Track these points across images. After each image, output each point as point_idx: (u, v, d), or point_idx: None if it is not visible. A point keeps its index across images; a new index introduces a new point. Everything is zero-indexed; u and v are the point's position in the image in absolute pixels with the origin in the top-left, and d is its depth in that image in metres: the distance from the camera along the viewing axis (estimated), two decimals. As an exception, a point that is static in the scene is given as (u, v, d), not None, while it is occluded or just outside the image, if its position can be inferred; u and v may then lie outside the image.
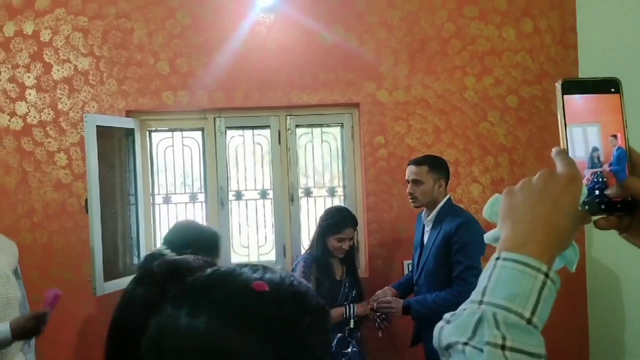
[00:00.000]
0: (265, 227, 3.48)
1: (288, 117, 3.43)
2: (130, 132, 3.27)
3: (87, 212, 2.98)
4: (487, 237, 0.72)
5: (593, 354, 3.38)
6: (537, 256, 0.60)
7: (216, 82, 3.29)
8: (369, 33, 3.34)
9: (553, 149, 0.69)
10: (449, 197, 2.73)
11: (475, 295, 0.61)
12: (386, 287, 2.89)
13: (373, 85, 3.33)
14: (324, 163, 3.51)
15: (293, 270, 2.94)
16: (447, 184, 2.75)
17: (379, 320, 2.80)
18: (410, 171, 2.72)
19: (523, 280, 0.59)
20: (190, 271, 1.04)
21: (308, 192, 3.49)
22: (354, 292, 2.91)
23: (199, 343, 0.59)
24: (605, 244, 3.17)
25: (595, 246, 3.29)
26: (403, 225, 3.32)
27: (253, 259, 3.46)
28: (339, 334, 2.84)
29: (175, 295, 0.66)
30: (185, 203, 3.47)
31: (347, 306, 2.80)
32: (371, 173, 3.34)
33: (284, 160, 3.43)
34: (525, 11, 3.40)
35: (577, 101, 0.69)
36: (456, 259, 2.54)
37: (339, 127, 3.49)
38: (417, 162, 2.72)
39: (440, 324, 0.62)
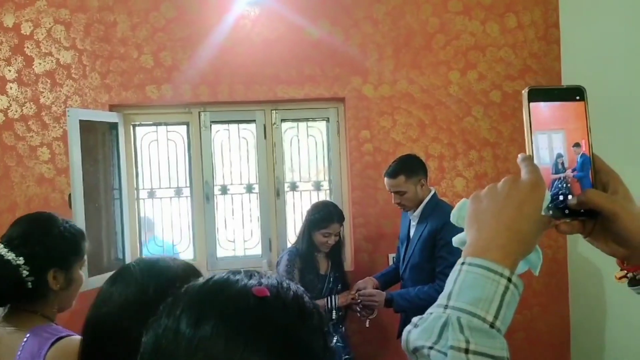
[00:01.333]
0: (251, 221, 3.48)
1: (273, 111, 3.42)
2: (113, 127, 3.24)
3: (70, 207, 2.95)
4: (455, 240, 0.74)
5: (574, 345, 3.45)
6: (500, 261, 0.62)
7: (201, 76, 3.27)
8: (355, 28, 3.34)
9: (519, 155, 0.70)
10: (434, 193, 2.76)
11: (441, 299, 0.63)
12: (367, 278, 2.91)
13: (359, 80, 3.34)
14: (309, 157, 3.52)
15: (277, 264, 2.95)
16: (427, 178, 2.76)
17: (359, 310, 2.83)
18: (389, 184, 2.72)
19: (486, 284, 0.60)
20: (170, 270, 1.03)
21: (294, 187, 3.49)
22: (339, 286, 2.92)
23: (206, 354, 0.58)
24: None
25: (579, 240, 3.35)
26: (388, 220, 3.34)
27: (239, 253, 3.46)
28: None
29: (170, 306, 0.65)
30: (170, 197, 3.45)
31: (329, 298, 2.82)
32: (357, 167, 3.35)
33: (270, 155, 3.43)
34: (509, 6, 3.43)
35: (542, 108, 0.70)
36: (440, 255, 2.58)
37: (325, 122, 3.50)
38: (392, 174, 2.69)
39: (408, 327, 0.63)
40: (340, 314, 2.87)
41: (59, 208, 3.12)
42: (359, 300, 2.79)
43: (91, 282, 2.97)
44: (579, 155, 0.70)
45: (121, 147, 3.27)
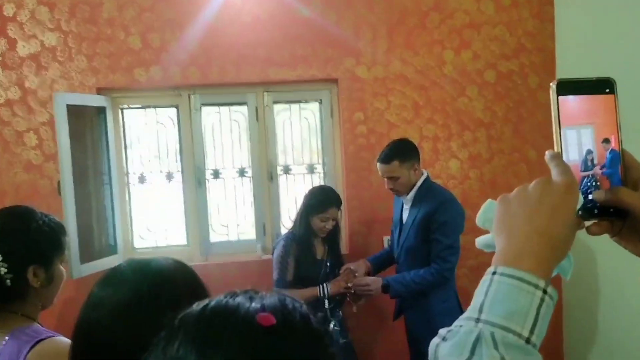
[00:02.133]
0: (244, 205, 3.44)
1: (265, 93, 3.36)
2: (101, 110, 3.17)
3: (60, 193, 2.89)
4: (480, 242, 0.71)
5: (566, 326, 3.48)
6: (534, 271, 0.58)
7: (190, 57, 3.19)
8: (348, 7, 3.27)
9: (547, 152, 0.66)
10: (427, 176, 2.73)
11: (471, 312, 0.59)
12: (360, 260, 2.89)
13: (352, 61, 3.28)
14: (302, 140, 3.47)
15: (274, 248, 2.92)
16: (419, 162, 2.73)
17: (349, 296, 2.82)
18: (382, 170, 2.68)
19: (520, 297, 0.57)
20: (163, 270, 1.00)
21: (287, 170, 3.45)
22: (335, 271, 2.90)
23: None
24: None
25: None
26: (382, 202, 3.32)
27: (232, 238, 3.42)
28: (320, 313, 2.84)
29: (166, 340, 0.59)
30: (161, 182, 3.39)
31: (321, 286, 2.80)
32: (350, 150, 3.31)
33: (262, 138, 3.37)
34: (504, -16, 3.38)
35: (571, 102, 0.67)
36: (435, 238, 2.57)
37: (318, 104, 3.44)
38: (385, 159, 2.65)
39: (435, 340, 0.60)
40: (337, 298, 2.86)
41: (48, 195, 3.06)
42: (354, 290, 2.78)
43: (83, 269, 2.93)
44: (608, 151, 0.66)
45: (110, 131, 3.20)
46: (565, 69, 3.34)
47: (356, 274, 2.82)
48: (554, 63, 3.42)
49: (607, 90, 0.67)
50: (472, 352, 0.54)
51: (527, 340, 0.55)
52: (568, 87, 0.67)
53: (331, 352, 0.62)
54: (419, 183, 2.69)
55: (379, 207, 3.33)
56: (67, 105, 2.85)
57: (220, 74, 3.21)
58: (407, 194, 2.71)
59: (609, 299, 3.04)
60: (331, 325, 2.85)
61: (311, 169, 3.47)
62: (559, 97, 0.66)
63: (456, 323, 0.59)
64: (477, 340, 0.55)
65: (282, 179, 3.44)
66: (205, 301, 0.63)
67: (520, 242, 0.61)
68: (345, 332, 2.94)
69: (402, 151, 2.67)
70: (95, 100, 3.11)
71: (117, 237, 3.23)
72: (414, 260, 2.69)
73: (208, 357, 0.54)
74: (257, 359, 0.55)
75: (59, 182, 2.91)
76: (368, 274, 2.87)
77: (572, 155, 0.66)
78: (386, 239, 3.33)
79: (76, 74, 3.10)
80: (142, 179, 3.38)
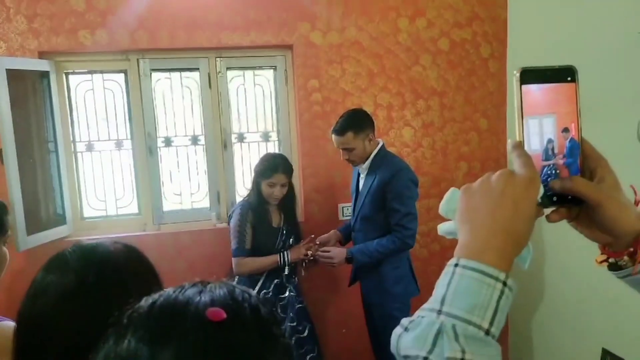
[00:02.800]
0: (197, 174, 3.38)
1: (218, 59, 3.27)
2: (44, 75, 3.01)
3: (2, 162, 2.76)
4: (442, 229, 0.72)
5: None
6: (495, 264, 0.60)
7: (138, 20, 3.06)
8: (302, -30, 3.20)
9: (508, 142, 0.68)
10: (382, 145, 2.76)
11: (433, 303, 0.60)
12: (331, 232, 2.94)
13: (307, 26, 3.23)
14: (257, 107, 3.42)
15: (229, 217, 2.91)
16: (374, 132, 2.75)
17: (306, 263, 2.87)
18: (337, 141, 2.70)
19: (481, 290, 0.58)
20: (110, 255, 0.96)
21: (241, 138, 3.40)
22: (291, 239, 2.93)
23: None
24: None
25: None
26: (337, 170, 3.34)
27: (186, 206, 3.38)
28: (276, 280, 2.88)
29: (116, 337, 0.58)
30: (111, 150, 3.29)
31: (281, 254, 2.83)
32: (305, 117, 3.29)
33: (215, 105, 3.30)
34: (458, -49, 3.37)
35: (533, 91, 0.67)
36: (392, 207, 2.61)
37: (272, 70, 3.39)
38: (340, 131, 2.66)
39: (397, 330, 0.61)
40: (291, 267, 2.90)
41: (-11, 164, 2.92)
42: (317, 257, 2.82)
43: (30, 240, 2.85)
44: (568, 140, 0.68)
45: (54, 97, 3.06)
46: (517, 39, 3.40)
47: (317, 242, 2.86)
48: (505, 32, 3.47)
49: (569, 79, 0.68)
50: (434, 344, 0.56)
51: (487, 332, 0.57)
52: (531, 75, 0.67)
53: (282, 341, 0.62)
54: (374, 152, 2.71)
55: (334, 175, 3.35)
56: (7, 70, 2.70)
57: (170, 39, 3.10)
58: (364, 163, 2.73)
59: (553, 261, 3.19)
60: (287, 292, 2.90)
61: (266, 137, 3.44)
62: (522, 85, 0.67)
63: (418, 313, 0.61)
64: (439, 332, 0.57)
65: (236, 147, 3.39)
66: (155, 296, 0.62)
67: (483, 236, 0.63)
68: (301, 297, 2.99)
69: (356, 122, 2.67)
70: (37, 65, 2.95)
71: (66, 206, 3.13)
72: (368, 227, 2.74)
73: (159, 354, 0.54)
74: (209, 354, 0.55)
75: (0, 150, 2.78)
76: (341, 243, 2.91)
77: (534, 144, 0.67)
78: (341, 206, 3.37)
79: (15, 36, 2.92)
80: (90, 147, 3.26)
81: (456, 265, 0.62)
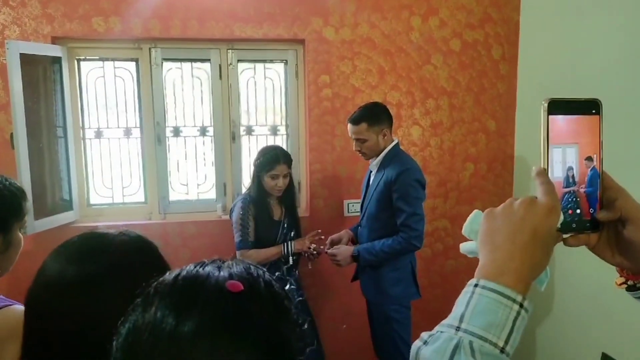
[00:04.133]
0: (205, 165, 3.39)
1: (230, 50, 3.28)
2: (56, 60, 3.02)
3: (13, 147, 2.77)
4: (463, 248, 0.76)
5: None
6: (513, 286, 0.63)
7: (152, 9, 3.06)
8: (317, -35, 3.20)
9: (533, 169, 0.71)
10: (396, 143, 2.76)
11: (452, 320, 0.64)
12: (344, 231, 2.94)
13: (319, 21, 3.23)
14: (266, 101, 3.42)
15: (231, 211, 2.92)
16: (391, 128, 2.76)
17: (308, 255, 2.89)
18: (350, 130, 2.71)
19: (499, 310, 0.62)
20: (116, 246, 0.95)
21: (250, 131, 3.41)
22: (292, 232, 2.94)
23: (190, 357, 0.58)
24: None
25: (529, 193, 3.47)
26: (344, 166, 3.34)
27: (192, 197, 3.39)
28: (277, 273, 2.89)
29: (142, 306, 0.64)
30: (119, 138, 3.30)
31: (285, 244, 2.85)
32: (315, 113, 3.30)
33: (225, 97, 3.31)
34: (473, -48, 3.37)
35: (559, 121, 0.71)
36: (398, 207, 2.61)
37: (283, 64, 3.39)
38: (355, 120, 2.68)
39: (417, 343, 0.64)
40: (294, 259, 2.91)
41: (0, 148, 2.93)
42: (317, 252, 2.86)
43: (37, 224, 2.86)
44: (590, 168, 0.71)
45: (65, 83, 3.06)
46: (529, 42, 3.39)
47: (322, 236, 2.87)
48: (517, 35, 3.47)
49: (594, 111, 0.72)
50: (451, 358, 0.59)
51: (502, 350, 0.60)
52: (558, 106, 0.71)
53: (294, 313, 0.69)
54: (387, 149, 2.71)
55: (340, 171, 3.36)
56: (20, 54, 2.70)
57: (182, 28, 3.11)
58: (374, 158, 2.74)
59: (560, 267, 3.20)
60: (288, 285, 2.91)
61: (274, 131, 3.44)
62: (549, 116, 0.70)
63: (437, 328, 0.64)
64: (457, 347, 0.60)
65: (244, 140, 3.40)
66: (177, 270, 0.68)
67: (502, 258, 0.66)
68: (301, 291, 3.01)
69: (372, 115, 2.68)
70: (50, 50, 2.96)
71: (73, 192, 3.14)
72: (374, 225, 2.75)
73: (184, 320, 0.60)
74: (228, 321, 0.61)
75: (11, 135, 2.79)
76: (353, 242, 2.91)
77: (557, 172, 0.71)
78: (346, 202, 3.37)
79: (29, 20, 2.93)
80: (98, 134, 3.27)
81: (476, 285, 0.65)
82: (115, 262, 0.92)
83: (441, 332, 0.63)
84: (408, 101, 3.39)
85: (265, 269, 0.73)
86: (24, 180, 2.74)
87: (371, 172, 2.82)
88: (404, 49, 3.34)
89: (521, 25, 3.45)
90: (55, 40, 3.01)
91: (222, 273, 0.66)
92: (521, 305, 0.63)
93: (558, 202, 0.68)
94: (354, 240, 2.93)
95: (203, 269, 0.67)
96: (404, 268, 2.75)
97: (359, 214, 2.94)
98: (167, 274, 0.68)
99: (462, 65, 3.43)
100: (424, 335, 0.64)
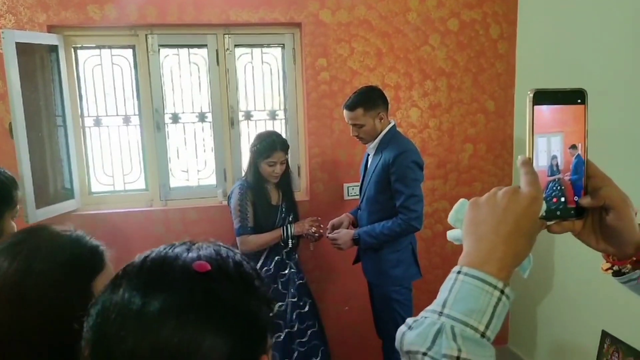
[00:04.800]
0: (204, 151, 3.40)
1: (226, 36, 3.26)
2: (53, 49, 3.01)
3: (12, 136, 2.78)
4: (450, 235, 0.78)
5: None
6: (495, 274, 0.65)
7: (147, -5, 3.05)
8: (312, -53, 3.17)
9: (519, 157, 0.72)
10: (393, 125, 2.76)
11: (436, 305, 0.65)
12: (344, 215, 2.95)
13: (316, 4, 3.21)
14: (264, 85, 3.41)
15: (229, 197, 2.93)
16: (387, 111, 2.75)
17: (313, 237, 2.93)
18: (347, 116, 2.71)
19: (480, 296, 0.64)
20: (52, 243, 0.94)
21: (248, 116, 3.41)
22: (290, 216, 2.97)
23: (157, 336, 0.60)
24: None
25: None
26: (344, 150, 3.35)
27: (193, 183, 3.40)
28: (277, 257, 2.92)
29: (111, 288, 0.65)
30: (118, 126, 3.30)
31: (285, 227, 2.87)
32: (313, 97, 3.29)
33: (223, 82, 3.30)
34: None
35: (544, 111, 0.71)
36: (396, 189, 2.62)
37: (280, 48, 3.38)
38: (350, 106, 2.68)
39: (402, 328, 0.66)
40: (294, 242, 2.93)
41: (-1, 137, 2.94)
42: (314, 232, 2.89)
43: (39, 213, 2.88)
44: (574, 156, 0.72)
45: (62, 72, 3.06)
46: (527, 20, 3.37)
47: (319, 221, 2.89)
48: (516, 14, 3.44)
49: (579, 101, 0.72)
50: (433, 341, 0.61)
51: (483, 335, 0.62)
52: (544, 96, 0.71)
53: (263, 293, 0.70)
54: (384, 132, 2.71)
55: (340, 154, 3.36)
56: (16, 43, 2.70)
57: (179, 14, 3.09)
58: (372, 142, 2.74)
59: (563, 269, 3.21)
60: (287, 269, 2.94)
61: (273, 115, 3.44)
62: (535, 106, 0.70)
63: (422, 314, 0.66)
64: (439, 331, 0.62)
65: (243, 125, 3.40)
66: (147, 252, 0.70)
67: (486, 249, 0.68)
68: (301, 274, 3.04)
69: (367, 99, 2.68)
70: (46, 39, 2.95)
71: (74, 181, 3.16)
72: (372, 207, 2.76)
73: (150, 299, 0.61)
74: (194, 300, 0.62)
75: (10, 124, 2.79)
76: (354, 226, 2.93)
77: (542, 161, 0.72)
78: (347, 186, 3.38)
79: (24, 9, 2.92)
80: (98, 122, 3.28)
81: (459, 272, 0.67)
82: (48, 259, 0.91)
83: (425, 317, 0.65)
84: (406, 83, 3.38)
85: (238, 251, 0.74)
86: (24, 169, 2.75)
87: (369, 155, 2.83)
88: (401, 30, 3.32)
89: (519, 3, 3.42)
90: (51, 28, 3.00)
91: (190, 254, 0.67)
92: (502, 292, 0.64)
93: (540, 192, 0.69)
94: (354, 224, 2.94)
95: (172, 250, 0.68)
96: (404, 249, 2.77)
97: (358, 197, 2.95)
98: (137, 256, 0.69)
99: (460, 45, 3.41)
100: (409, 320, 0.66)
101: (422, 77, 3.40)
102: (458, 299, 0.64)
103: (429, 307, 0.67)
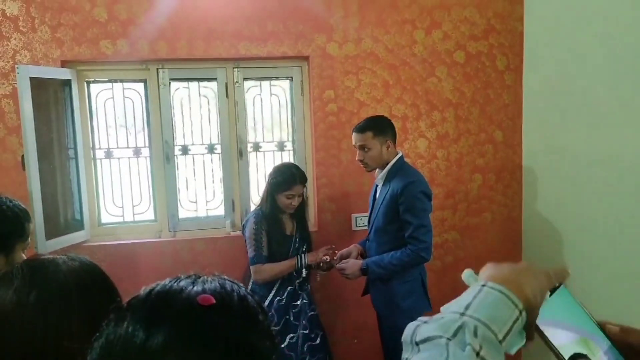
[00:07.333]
0: (213, 182, 3.43)
1: (235, 69, 3.32)
2: (66, 83, 3.09)
3: (24, 168, 2.82)
4: (465, 276, 0.80)
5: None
6: (517, 294, 0.69)
7: (158, 30, 3.12)
8: (319, -17, 3.24)
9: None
10: (401, 156, 2.77)
11: (456, 308, 0.67)
12: (353, 245, 2.94)
13: (323, 37, 3.27)
14: (272, 117, 3.46)
15: (243, 227, 2.94)
16: (395, 141, 2.77)
17: (323, 265, 2.91)
18: (355, 138, 2.73)
19: (504, 308, 0.67)
20: (59, 275, 0.93)
21: (257, 147, 3.44)
22: (304, 247, 2.96)
23: None
24: (545, 191, 3.33)
25: (536, 199, 3.45)
26: (351, 180, 3.35)
27: (201, 214, 3.42)
28: (289, 287, 2.90)
29: (115, 322, 0.65)
30: (129, 158, 3.35)
31: (299, 256, 2.86)
32: (320, 128, 3.32)
33: (232, 114, 3.35)
34: (475, -35, 3.39)
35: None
36: (405, 219, 2.61)
37: (288, 81, 3.43)
38: (360, 129, 2.71)
39: (415, 323, 0.67)
40: (307, 272, 2.92)
41: (12, 169, 3.00)
42: (330, 263, 2.87)
43: (48, 244, 2.90)
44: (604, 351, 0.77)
45: (75, 105, 3.13)
46: (533, 51, 3.40)
47: (336, 257, 2.88)
48: (522, 45, 3.47)
49: None
50: (455, 334, 0.62)
51: (500, 343, 0.63)
52: None
53: (267, 327, 0.69)
54: (392, 162, 2.72)
55: (348, 184, 3.37)
56: (31, 78, 2.77)
57: (189, 49, 3.16)
58: (376, 169, 2.75)
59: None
60: (300, 300, 2.92)
61: (281, 147, 3.47)
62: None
63: (438, 315, 0.67)
64: (461, 327, 0.63)
65: (252, 156, 3.43)
66: (152, 285, 0.70)
67: (508, 273, 0.73)
68: (314, 305, 3.01)
69: (378, 125, 2.72)
70: (60, 73, 3.03)
71: (84, 212, 3.19)
72: (381, 238, 2.75)
73: (154, 333, 0.61)
74: (198, 334, 0.62)
75: (22, 157, 2.84)
76: (362, 257, 2.91)
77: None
78: (354, 216, 3.38)
79: (40, 45, 3.01)
80: (109, 154, 3.33)
81: (483, 285, 0.70)
82: (51, 291, 0.91)
83: (442, 316, 0.66)
84: (413, 114, 3.40)
85: (243, 285, 0.74)
86: (35, 200, 2.78)
87: (377, 185, 2.83)
88: (407, 62, 3.36)
89: (525, 35, 3.46)
90: (64, 63, 3.08)
91: (195, 288, 0.67)
92: (521, 312, 0.67)
93: (551, 276, 0.76)
94: (363, 255, 2.92)
95: (177, 284, 0.69)
96: (414, 280, 2.74)
97: (367, 227, 2.94)
98: (142, 289, 0.69)
99: (467, 76, 3.44)
100: (422, 318, 0.68)
101: (429, 108, 3.42)
102: (483, 305, 0.66)
103: (445, 309, 0.68)
